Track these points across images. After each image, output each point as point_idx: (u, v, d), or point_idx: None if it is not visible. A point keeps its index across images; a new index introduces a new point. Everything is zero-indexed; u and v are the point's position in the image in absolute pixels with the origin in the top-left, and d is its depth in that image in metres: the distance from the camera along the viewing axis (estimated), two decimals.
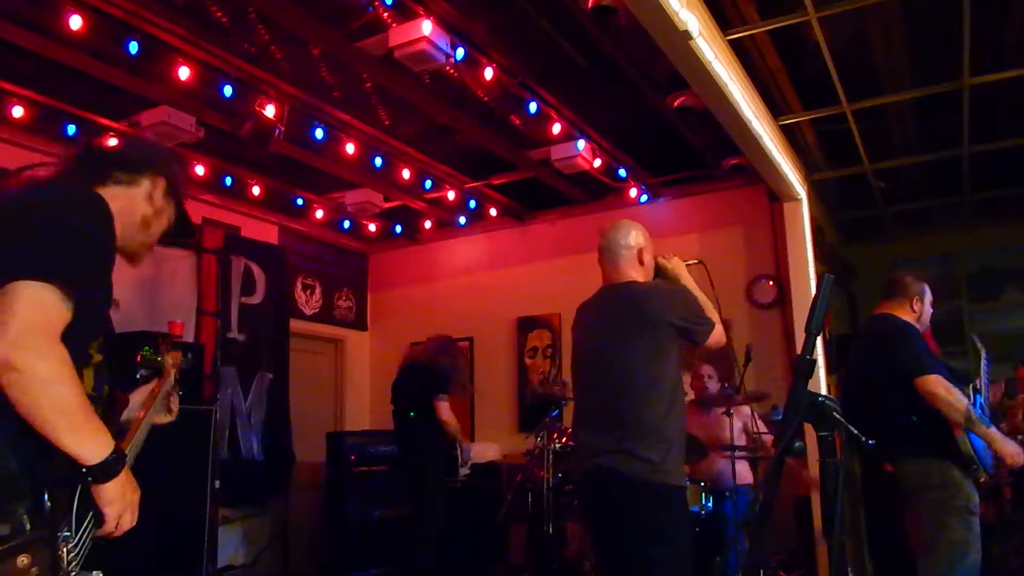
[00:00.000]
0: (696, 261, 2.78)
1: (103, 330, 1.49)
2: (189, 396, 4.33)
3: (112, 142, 1.74)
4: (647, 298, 2.47)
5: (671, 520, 2.32)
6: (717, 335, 2.49)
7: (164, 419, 1.80)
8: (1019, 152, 5.14)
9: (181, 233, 1.75)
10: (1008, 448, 3.07)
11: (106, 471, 1.34)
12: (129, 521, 1.42)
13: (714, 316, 2.53)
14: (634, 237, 2.57)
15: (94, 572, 1.39)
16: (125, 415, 1.72)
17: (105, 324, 1.51)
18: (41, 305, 1.27)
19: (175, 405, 1.83)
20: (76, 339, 1.34)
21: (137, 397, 1.78)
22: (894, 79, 4.30)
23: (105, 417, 1.46)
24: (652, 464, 2.29)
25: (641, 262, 2.56)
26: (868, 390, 3.28)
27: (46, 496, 1.29)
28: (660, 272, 2.67)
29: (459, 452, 4.60)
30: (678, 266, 2.67)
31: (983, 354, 3.43)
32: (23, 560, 1.21)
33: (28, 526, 1.24)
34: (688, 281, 2.64)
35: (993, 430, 3.09)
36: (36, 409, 1.25)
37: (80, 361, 1.38)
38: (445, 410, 4.42)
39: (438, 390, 4.45)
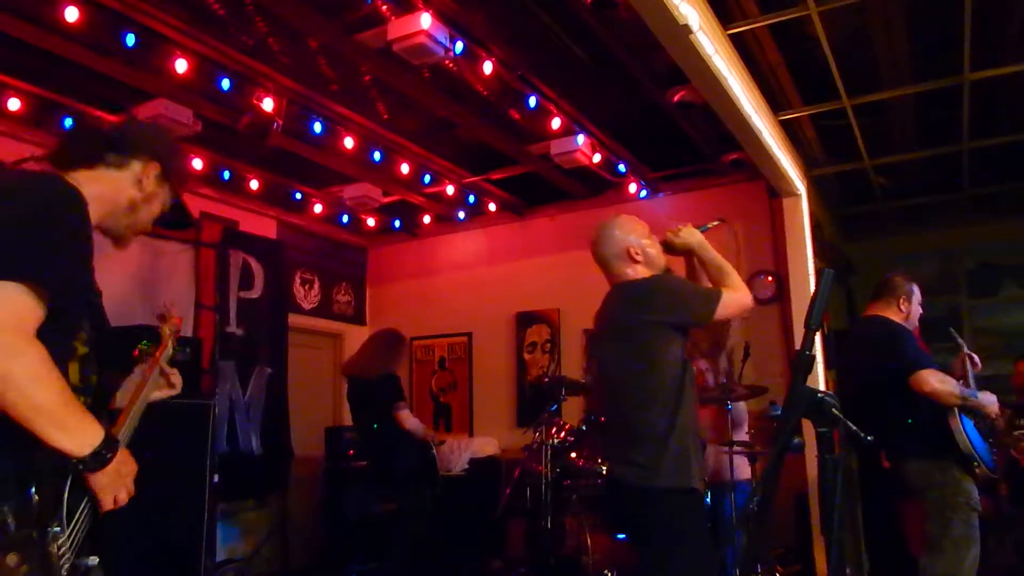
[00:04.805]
0: (716, 222, 2.65)
1: (88, 322, 1.47)
2: (188, 390, 4.31)
3: (112, 122, 1.71)
4: (623, 306, 2.39)
5: (676, 522, 2.22)
6: (732, 305, 2.31)
7: (166, 392, 1.76)
8: (1019, 148, 5.13)
9: (178, 222, 1.72)
10: (987, 400, 3.24)
11: (98, 460, 1.34)
12: (124, 497, 1.43)
13: (728, 280, 2.37)
14: (615, 240, 2.44)
15: (91, 558, 1.40)
16: (119, 398, 1.70)
17: (91, 316, 1.49)
18: (12, 305, 1.25)
19: (176, 379, 1.79)
20: (58, 334, 1.33)
21: (132, 379, 1.74)
22: (894, 74, 4.28)
23: (95, 406, 1.46)
24: (644, 468, 2.22)
25: (633, 259, 2.42)
26: (864, 394, 3.29)
27: (33, 492, 1.28)
28: (670, 249, 2.52)
29: (435, 454, 4.50)
30: (688, 236, 2.48)
31: (964, 348, 3.49)
32: (12, 559, 1.21)
33: (13, 525, 1.23)
34: (702, 248, 2.47)
35: (980, 396, 3.24)
36: (18, 408, 1.24)
37: (64, 356, 1.37)
38: (408, 419, 4.31)
39: (396, 398, 4.32)
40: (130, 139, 1.60)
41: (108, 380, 1.66)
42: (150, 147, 1.61)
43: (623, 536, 4.01)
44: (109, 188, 1.54)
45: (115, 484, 1.40)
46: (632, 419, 2.29)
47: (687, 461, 2.26)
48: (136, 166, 1.58)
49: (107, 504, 1.40)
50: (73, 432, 1.31)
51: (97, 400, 1.50)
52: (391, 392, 4.36)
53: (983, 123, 4.86)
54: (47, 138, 4.23)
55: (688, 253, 2.55)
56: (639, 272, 2.42)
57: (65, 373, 1.37)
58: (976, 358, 3.48)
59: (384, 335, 4.67)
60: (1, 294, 1.25)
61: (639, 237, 2.45)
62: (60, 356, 1.34)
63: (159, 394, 1.74)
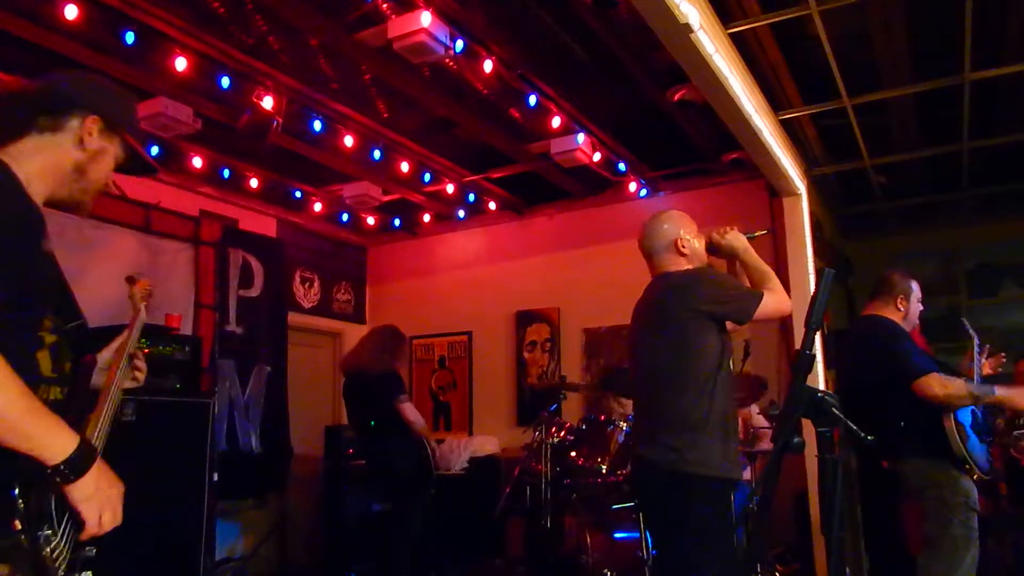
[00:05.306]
0: (763, 231, 2.72)
1: (54, 309, 1.37)
2: (187, 389, 4.33)
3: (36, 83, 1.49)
4: (666, 294, 2.43)
5: (700, 511, 2.24)
6: (770, 307, 2.37)
7: (131, 384, 1.66)
8: (1019, 148, 5.13)
9: (137, 170, 1.58)
10: (1021, 400, 3.14)
11: (74, 468, 1.24)
12: (111, 519, 1.31)
13: (770, 284, 2.43)
14: (665, 231, 2.51)
15: (88, 548, 1.32)
16: (95, 377, 1.63)
17: (54, 300, 1.39)
18: None
19: (140, 371, 1.68)
20: (19, 328, 1.26)
21: (106, 354, 1.67)
22: (895, 74, 4.28)
23: (70, 394, 1.39)
24: (678, 453, 2.25)
25: (680, 251, 2.49)
26: (861, 394, 3.29)
27: (16, 494, 1.20)
28: (715, 250, 2.58)
29: (430, 452, 4.50)
30: (735, 240, 2.55)
31: (975, 340, 3.46)
32: (2, 570, 1.16)
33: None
34: (746, 252, 2.54)
35: (1000, 391, 3.12)
36: None
37: (31, 346, 1.30)
38: (411, 410, 4.30)
39: (399, 392, 4.31)
40: (61, 95, 1.44)
41: (86, 360, 1.59)
42: (85, 99, 1.45)
43: (623, 535, 4.01)
44: (49, 157, 1.39)
45: (98, 499, 1.28)
46: (667, 405, 2.33)
47: (720, 450, 2.29)
48: (74, 123, 1.42)
49: (91, 520, 1.27)
50: (41, 440, 1.21)
51: (72, 388, 1.42)
52: (392, 387, 4.33)
53: (983, 123, 4.85)
54: None
55: (731, 255, 2.59)
56: (683, 265, 2.49)
57: (35, 364, 1.30)
58: (994, 354, 3.41)
59: (385, 331, 4.64)
60: None
61: (687, 232, 2.52)
62: (27, 348, 1.27)
63: (127, 383, 1.64)
